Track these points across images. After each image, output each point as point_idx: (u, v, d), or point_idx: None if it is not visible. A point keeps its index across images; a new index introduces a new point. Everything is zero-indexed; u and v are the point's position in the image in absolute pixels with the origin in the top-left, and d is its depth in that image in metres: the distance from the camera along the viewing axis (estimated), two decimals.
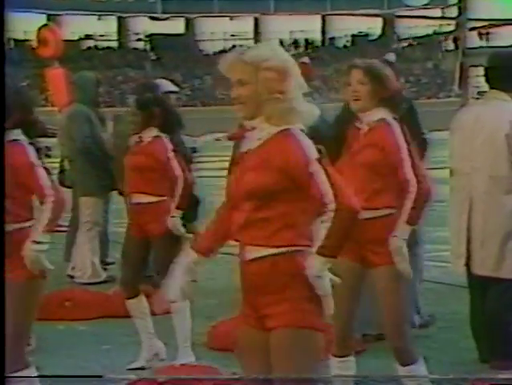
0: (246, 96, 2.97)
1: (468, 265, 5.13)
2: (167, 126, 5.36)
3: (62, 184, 7.98)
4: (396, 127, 4.00)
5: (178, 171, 5.28)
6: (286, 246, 2.97)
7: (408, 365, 3.97)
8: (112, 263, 8.01)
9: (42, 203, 3.77)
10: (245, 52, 2.99)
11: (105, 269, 7.87)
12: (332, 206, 2.90)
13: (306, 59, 7.31)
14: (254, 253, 3.00)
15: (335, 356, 4.05)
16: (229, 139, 3.70)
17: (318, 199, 2.92)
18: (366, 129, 4.01)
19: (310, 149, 2.95)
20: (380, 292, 4.02)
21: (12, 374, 3.60)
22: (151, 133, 5.33)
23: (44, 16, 46.95)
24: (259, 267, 2.99)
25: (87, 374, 5.18)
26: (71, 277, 7.74)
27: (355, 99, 3.98)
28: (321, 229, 2.92)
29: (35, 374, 3.80)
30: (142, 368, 5.24)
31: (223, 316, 5.72)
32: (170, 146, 5.34)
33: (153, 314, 5.54)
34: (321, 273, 2.94)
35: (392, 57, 6.86)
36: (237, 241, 3.06)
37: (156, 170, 5.27)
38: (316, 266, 2.94)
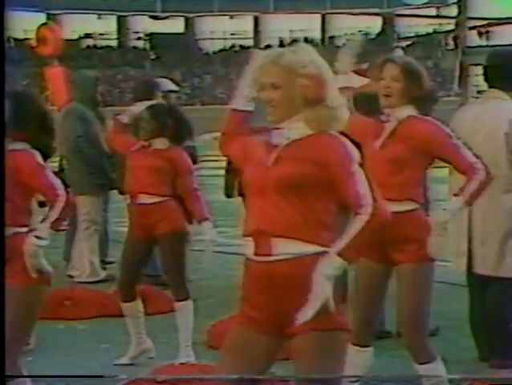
0: (277, 100, 2.95)
1: (468, 263, 5.13)
2: (178, 137, 5.39)
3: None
4: (432, 120, 3.95)
5: (196, 184, 5.34)
6: (319, 245, 2.89)
7: (426, 363, 3.94)
8: (112, 262, 8.01)
9: (52, 202, 3.79)
10: (282, 55, 2.95)
11: (105, 269, 7.87)
12: (369, 209, 2.85)
13: None
14: (284, 248, 2.88)
15: (354, 344, 4.00)
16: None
17: (354, 199, 2.87)
18: (395, 124, 3.95)
19: (354, 151, 2.95)
20: (403, 289, 3.98)
21: (12, 375, 3.58)
22: (162, 142, 5.37)
23: (44, 15, 46.99)
24: (291, 267, 2.88)
25: (87, 373, 5.18)
26: (71, 276, 7.74)
27: (387, 95, 3.92)
28: (350, 230, 2.86)
29: (30, 375, 3.79)
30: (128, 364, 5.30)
31: (222, 315, 5.72)
32: (189, 159, 5.40)
33: (152, 313, 5.55)
34: (331, 274, 2.83)
35: (400, 54, 6.87)
36: (251, 235, 2.93)
37: (169, 174, 5.31)
38: (330, 266, 2.83)
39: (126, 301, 5.33)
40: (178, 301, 5.32)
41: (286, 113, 2.96)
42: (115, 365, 5.33)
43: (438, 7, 53.52)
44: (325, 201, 2.93)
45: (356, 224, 2.85)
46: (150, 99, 7.18)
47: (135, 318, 5.35)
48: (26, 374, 3.78)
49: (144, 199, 5.31)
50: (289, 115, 2.96)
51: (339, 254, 2.84)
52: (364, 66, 7.21)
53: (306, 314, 2.83)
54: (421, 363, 3.96)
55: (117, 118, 5.52)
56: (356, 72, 5.16)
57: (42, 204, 11.44)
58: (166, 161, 5.31)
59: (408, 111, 3.94)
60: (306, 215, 2.90)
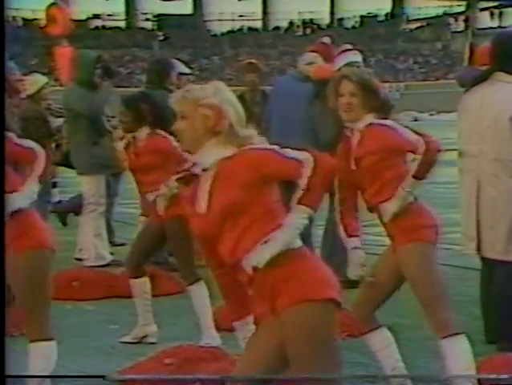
0: (183, 130, 3.06)
1: (478, 247, 5.12)
2: (157, 123, 5.37)
3: (68, 162, 7.92)
4: (383, 123, 4.09)
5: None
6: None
7: (446, 338, 4.00)
8: (123, 244, 8.01)
9: (33, 160, 3.90)
10: (191, 89, 3.14)
11: (112, 253, 7.76)
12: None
13: (326, 39, 6.92)
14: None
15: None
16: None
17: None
18: (358, 136, 4.11)
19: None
20: (405, 273, 4.07)
21: (12, 375, 3.57)
22: (144, 132, 5.37)
23: None
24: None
25: (95, 353, 5.21)
26: (79, 260, 7.69)
27: (348, 110, 4.08)
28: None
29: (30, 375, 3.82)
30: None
31: None
32: (171, 138, 5.30)
33: (160, 295, 5.59)
34: (299, 224, 2.99)
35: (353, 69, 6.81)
36: None
37: (160, 166, 5.31)
38: (300, 216, 2.98)
39: (134, 278, 5.39)
40: (188, 285, 5.35)
41: (193, 143, 3.06)
42: (121, 342, 5.39)
43: None
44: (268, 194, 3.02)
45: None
46: (165, 80, 7.14)
47: (142, 297, 5.39)
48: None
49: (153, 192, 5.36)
50: (196, 146, 3.06)
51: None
52: (325, 39, 7.05)
53: (261, 254, 2.93)
54: (442, 338, 4.00)
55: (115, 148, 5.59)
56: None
57: (54, 185, 11.38)
58: (155, 155, 5.30)
59: (369, 119, 4.09)
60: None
